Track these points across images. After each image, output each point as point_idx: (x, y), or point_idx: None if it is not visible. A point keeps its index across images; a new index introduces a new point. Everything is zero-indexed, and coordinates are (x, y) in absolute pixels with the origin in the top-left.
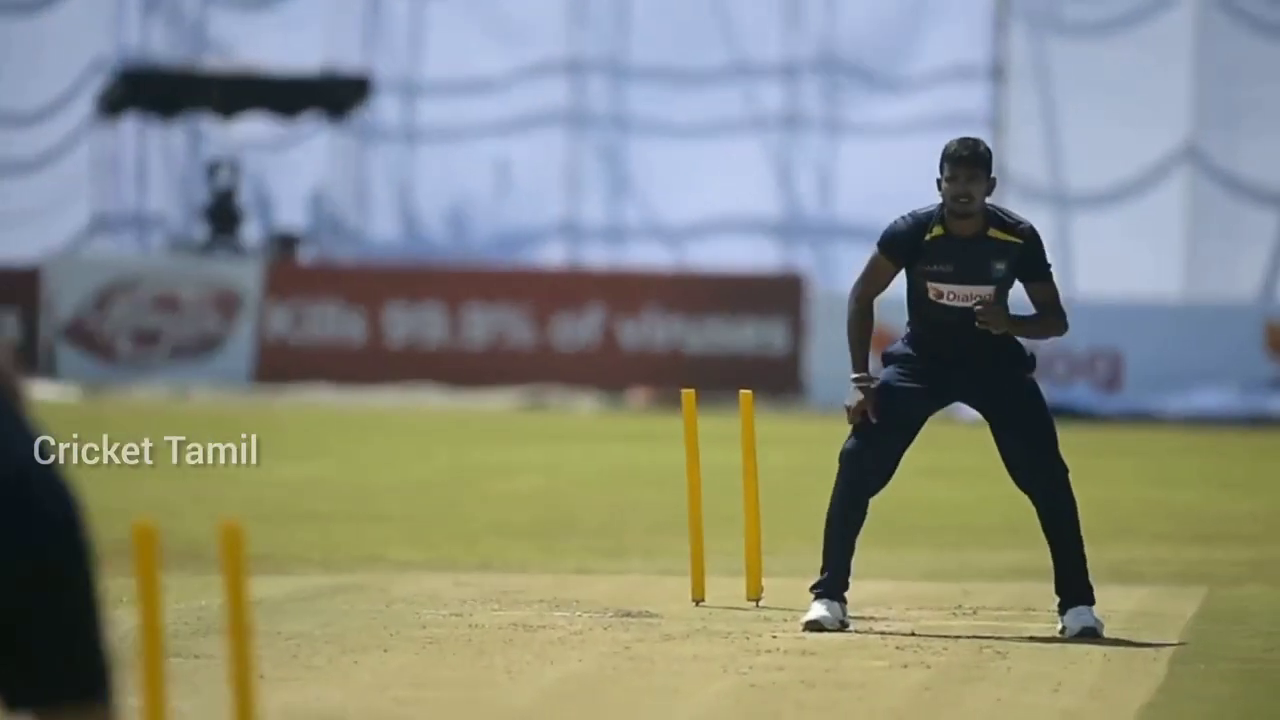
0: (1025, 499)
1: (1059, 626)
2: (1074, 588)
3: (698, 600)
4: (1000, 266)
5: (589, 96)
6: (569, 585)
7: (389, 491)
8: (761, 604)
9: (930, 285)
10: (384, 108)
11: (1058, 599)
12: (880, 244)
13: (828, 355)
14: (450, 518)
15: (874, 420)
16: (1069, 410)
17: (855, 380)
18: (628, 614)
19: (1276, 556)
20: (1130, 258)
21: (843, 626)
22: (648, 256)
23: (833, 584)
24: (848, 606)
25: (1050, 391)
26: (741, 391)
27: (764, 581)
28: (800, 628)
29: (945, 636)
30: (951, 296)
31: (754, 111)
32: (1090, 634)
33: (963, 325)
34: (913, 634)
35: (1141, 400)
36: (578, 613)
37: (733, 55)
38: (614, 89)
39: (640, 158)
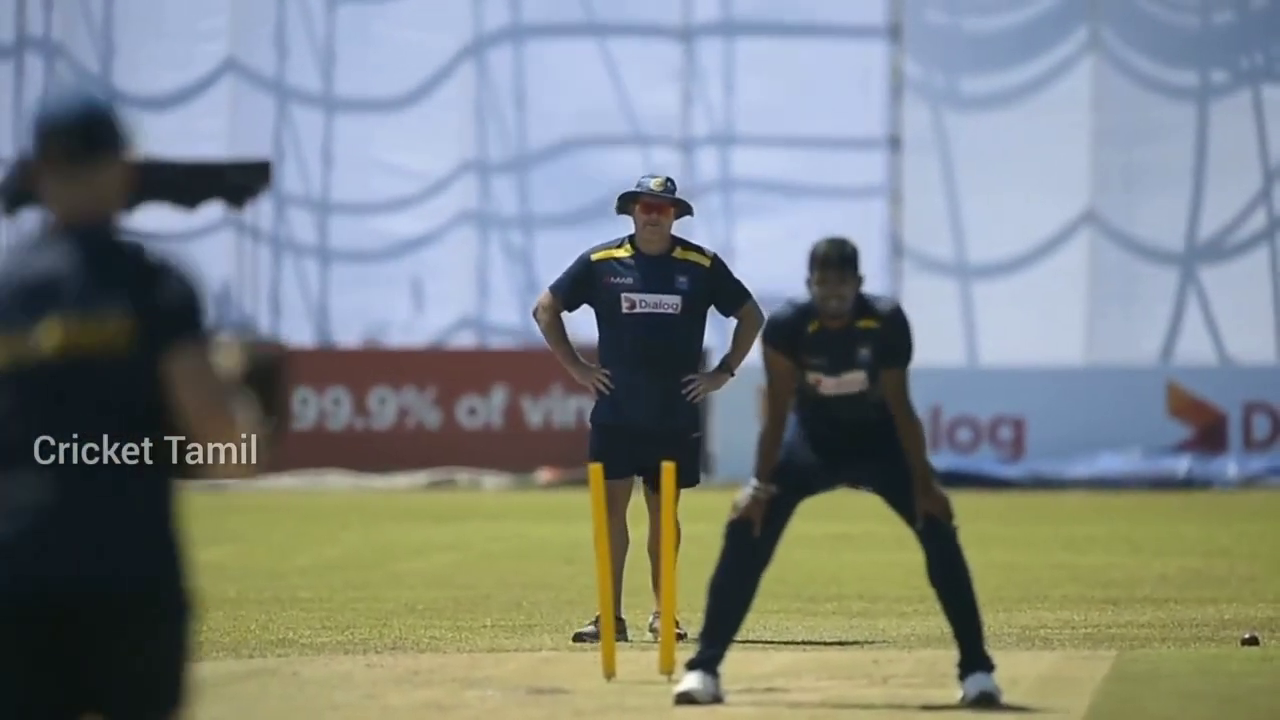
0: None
1: (959, 694)
2: (973, 654)
3: (609, 676)
4: (865, 352)
5: (495, 198)
6: (481, 664)
7: (299, 574)
8: (674, 678)
9: (810, 375)
10: (297, 219)
11: (958, 666)
12: (764, 337)
13: (731, 429)
14: (361, 598)
15: (756, 535)
16: (973, 477)
17: (755, 489)
18: (540, 691)
19: (1185, 618)
20: (1032, 325)
21: (716, 700)
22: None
23: (714, 657)
24: (721, 681)
25: (953, 459)
26: (664, 464)
27: (677, 655)
28: (672, 701)
29: (857, 706)
30: (830, 386)
31: None
32: (988, 700)
33: (849, 411)
34: (824, 704)
35: (1045, 466)
36: (490, 691)
37: (633, 129)
38: (519, 187)
39: (545, 252)
